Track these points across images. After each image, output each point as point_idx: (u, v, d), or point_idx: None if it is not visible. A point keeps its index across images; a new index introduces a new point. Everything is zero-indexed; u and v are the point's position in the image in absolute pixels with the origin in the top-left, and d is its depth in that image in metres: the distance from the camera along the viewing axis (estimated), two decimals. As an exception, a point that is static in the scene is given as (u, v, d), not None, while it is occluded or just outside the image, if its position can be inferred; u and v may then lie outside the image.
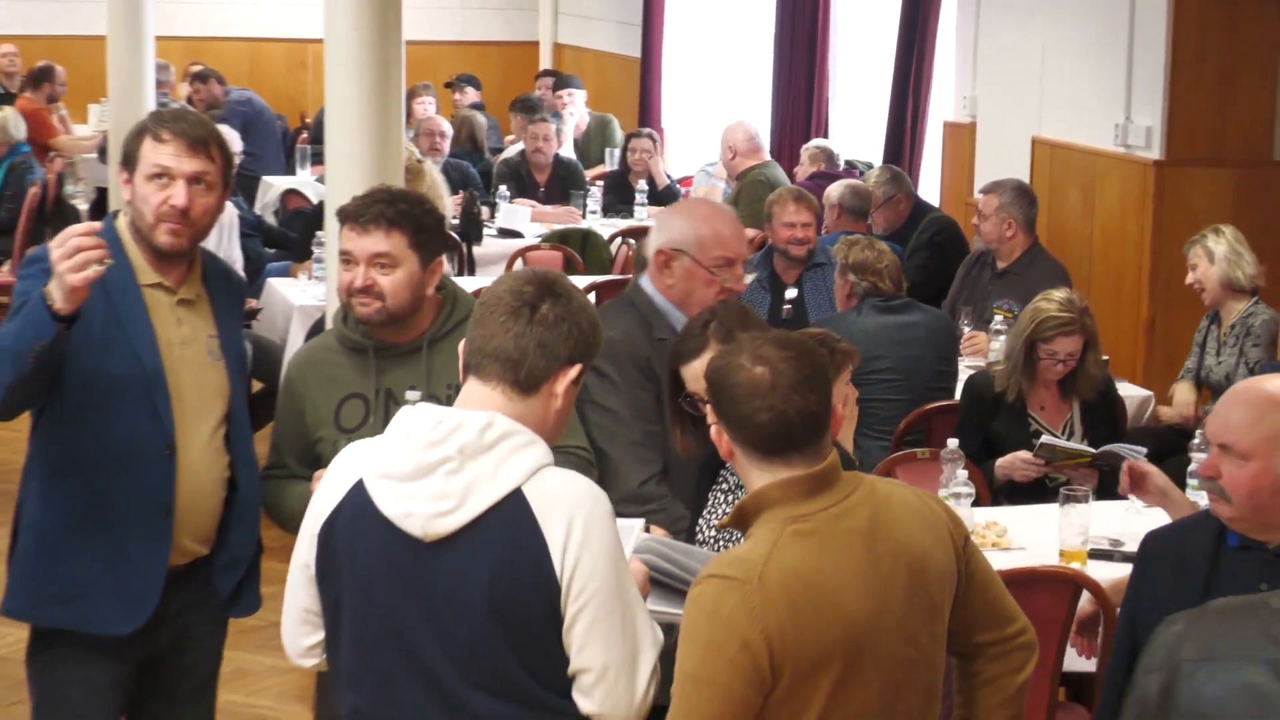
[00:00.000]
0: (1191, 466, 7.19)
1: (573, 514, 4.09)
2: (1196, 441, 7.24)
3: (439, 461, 4.05)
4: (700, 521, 5.47)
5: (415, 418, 4.15)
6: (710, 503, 5.47)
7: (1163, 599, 4.28)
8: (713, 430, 4.33)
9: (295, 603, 4.37)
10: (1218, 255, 9.32)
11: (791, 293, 10.18)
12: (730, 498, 5.37)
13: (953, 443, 7.19)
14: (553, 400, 4.20)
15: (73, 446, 5.37)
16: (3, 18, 20.26)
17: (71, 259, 4.93)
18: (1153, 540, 4.56)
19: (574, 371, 4.21)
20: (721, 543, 5.22)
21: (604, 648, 4.09)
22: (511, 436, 4.08)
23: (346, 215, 5.58)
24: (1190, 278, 9.38)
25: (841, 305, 9.10)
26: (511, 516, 4.06)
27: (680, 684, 4.06)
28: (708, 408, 4.38)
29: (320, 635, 4.35)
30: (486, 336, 4.16)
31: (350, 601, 4.21)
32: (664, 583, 4.78)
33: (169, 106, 14.09)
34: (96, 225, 5.16)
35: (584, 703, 4.10)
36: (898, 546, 4.19)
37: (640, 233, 12.67)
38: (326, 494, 4.26)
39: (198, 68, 17.35)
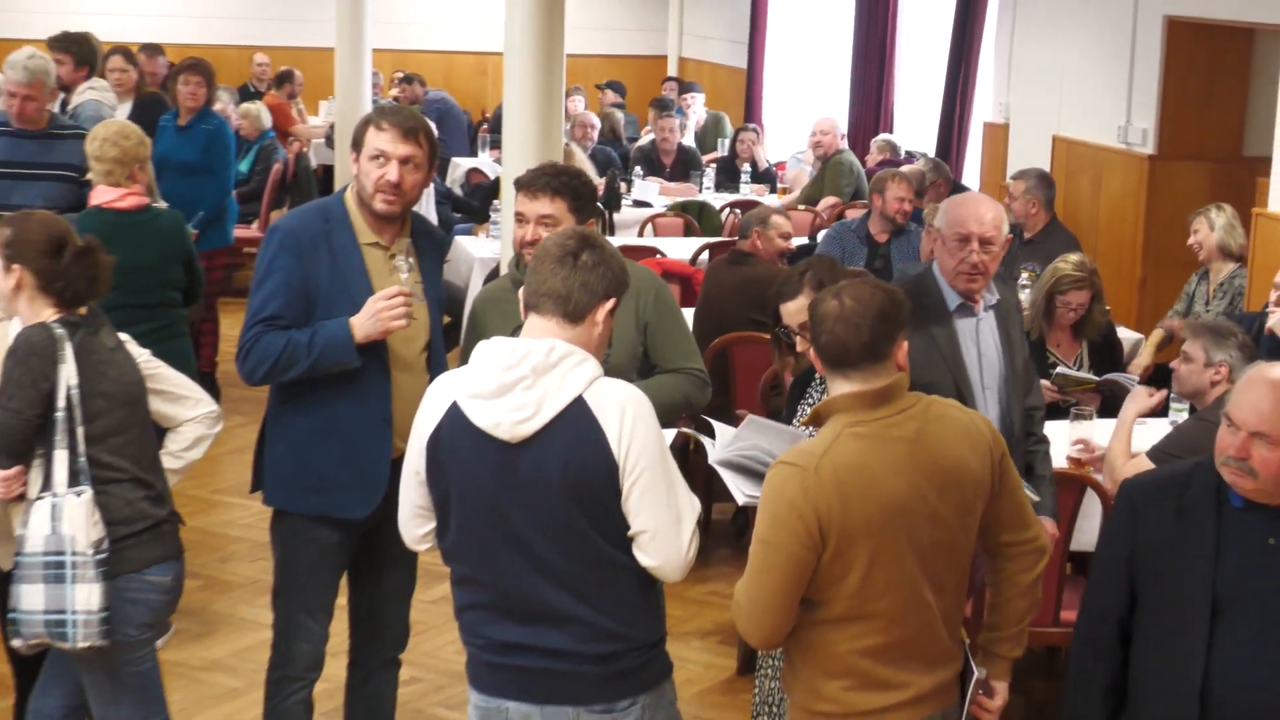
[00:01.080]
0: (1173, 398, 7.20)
1: (623, 411, 4.19)
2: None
3: (516, 381, 4.15)
4: (793, 421, 5.51)
5: (494, 349, 4.23)
6: (799, 411, 5.52)
7: (1167, 546, 4.21)
8: (811, 351, 4.42)
9: (409, 502, 4.45)
10: (1218, 225, 9.31)
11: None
12: (812, 405, 5.43)
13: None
14: (595, 327, 4.28)
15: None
16: (255, 34, 20.38)
17: (395, 312, 5.26)
18: (1139, 490, 4.42)
19: (610, 304, 4.30)
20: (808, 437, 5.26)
21: (654, 513, 4.19)
22: (570, 356, 4.18)
23: (521, 184, 5.61)
24: (1192, 240, 9.37)
25: (925, 257, 9.11)
26: (576, 417, 4.16)
27: (754, 544, 4.25)
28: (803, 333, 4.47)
29: (430, 525, 4.44)
30: (541, 280, 4.25)
31: (456, 495, 4.28)
32: (759, 471, 4.86)
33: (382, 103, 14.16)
34: (407, 292, 5.37)
35: (643, 558, 4.21)
36: (938, 453, 4.26)
37: (745, 205, 12.69)
38: (427, 416, 4.33)
39: (403, 73, 17.38)
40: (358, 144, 5.41)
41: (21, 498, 5.02)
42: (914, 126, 16.62)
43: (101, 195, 6.99)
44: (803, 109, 17.89)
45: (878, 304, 4.26)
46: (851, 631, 4.25)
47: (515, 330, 4.41)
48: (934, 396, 4.52)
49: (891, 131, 16.09)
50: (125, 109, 11.48)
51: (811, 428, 4.47)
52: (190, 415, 5.42)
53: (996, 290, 5.76)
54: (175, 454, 5.47)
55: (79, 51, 11.47)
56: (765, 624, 4.27)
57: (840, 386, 4.29)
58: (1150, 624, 4.31)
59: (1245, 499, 4.14)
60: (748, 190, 14.59)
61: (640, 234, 12.99)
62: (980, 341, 5.67)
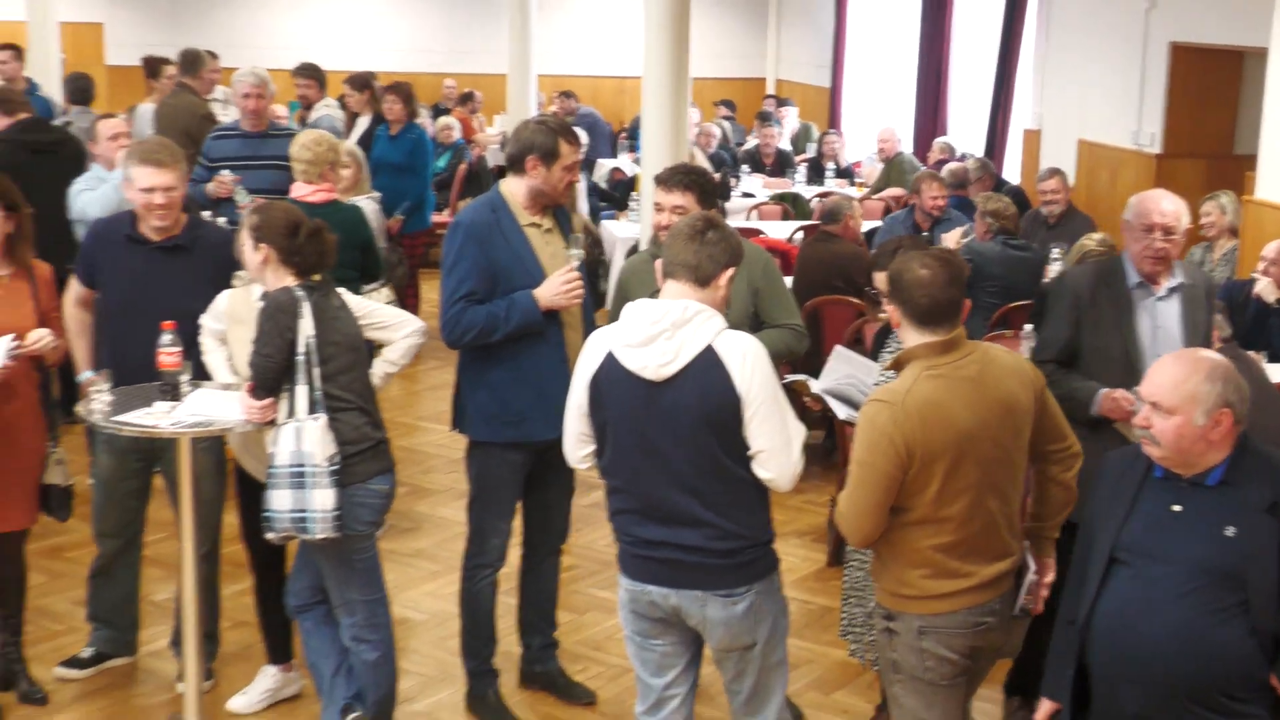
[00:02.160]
0: None
1: (744, 355, 4.20)
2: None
3: (659, 333, 4.17)
4: (878, 360, 5.48)
5: (641, 308, 4.26)
6: (879, 358, 5.48)
7: (1104, 507, 4.15)
8: (889, 309, 4.40)
9: (572, 430, 4.48)
10: (1229, 208, 9.11)
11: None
12: (894, 356, 5.36)
13: (1028, 327, 7.13)
14: (719, 290, 4.29)
15: None
16: (446, 63, 20.50)
17: (573, 291, 5.42)
18: (1109, 461, 4.32)
19: (730, 272, 4.31)
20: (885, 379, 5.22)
21: (770, 436, 4.21)
22: (701, 313, 4.20)
23: (659, 180, 5.60)
24: (1204, 220, 9.10)
25: (980, 238, 9.00)
26: (707, 361, 4.17)
27: (853, 465, 4.25)
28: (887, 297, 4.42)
29: (590, 448, 4.47)
30: (676, 254, 4.28)
31: (611, 424, 4.31)
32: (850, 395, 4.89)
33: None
34: (579, 275, 5.51)
35: (761, 472, 4.24)
36: (996, 388, 4.23)
37: (828, 196, 12.59)
38: (588, 362, 4.36)
39: (561, 93, 17.39)
40: (551, 155, 5.43)
41: (272, 423, 5.07)
42: (966, 131, 16.44)
43: (297, 190, 7.02)
44: (874, 118, 17.72)
45: (957, 273, 4.29)
46: (929, 531, 4.23)
47: (654, 294, 4.40)
48: (988, 344, 4.52)
49: (946, 135, 15.94)
50: (364, 122, 11.73)
51: (892, 371, 4.40)
52: (402, 334, 5.45)
53: (1184, 275, 5.54)
54: (392, 361, 5.52)
55: (319, 77, 11.70)
56: (864, 527, 4.26)
57: (916, 338, 4.26)
58: (1074, 570, 4.25)
59: (1165, 470, 4.02)
60: (831, 184, 14.49)
61: (747, 218, 12.92)
62: (1157, 317, 5.44)
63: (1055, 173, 10.29)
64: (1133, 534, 4.03)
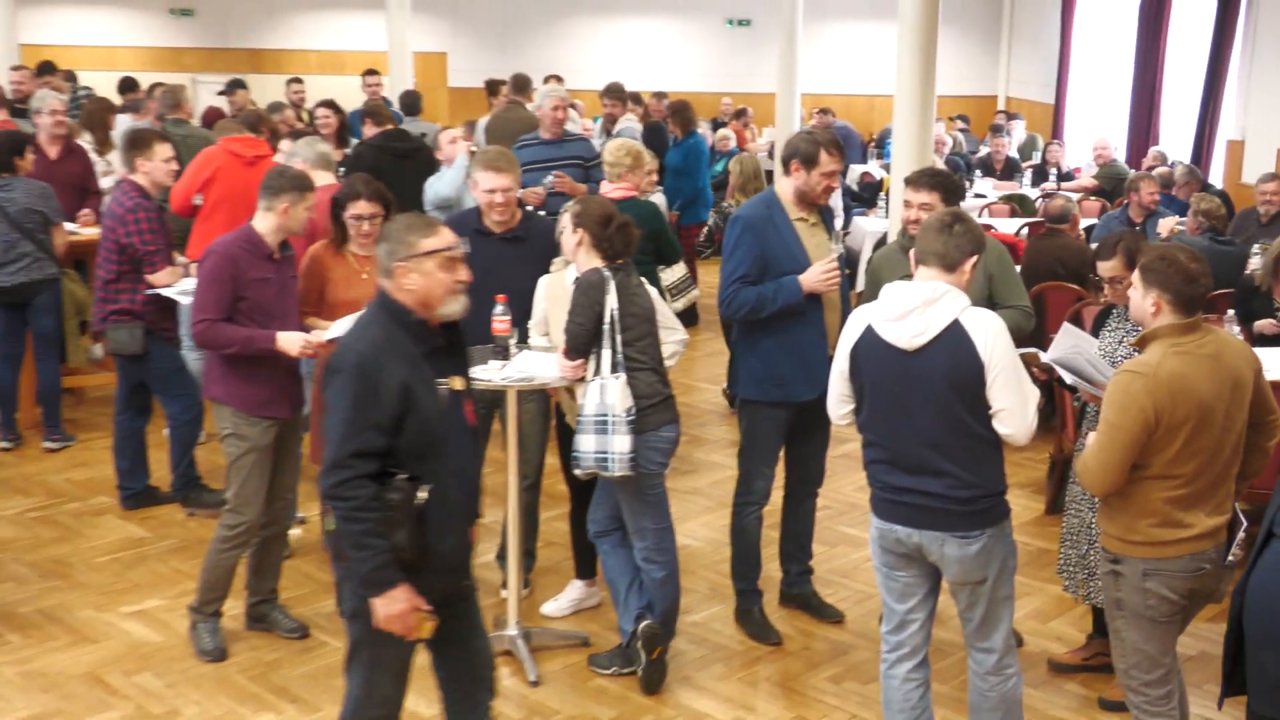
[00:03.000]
0: None
1: (986, 328, 4.13)
2: None
3: (912, 309, 4.13)
4: (1098, 338, 5.27)
5: (897, 289, 4.22)
6: (1100, 336, 5.27)
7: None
8: (1135, 292, 4.27)
9: (835, 392, 4.45)
10: None
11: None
12: (1113, 334, 5.24)
13: (1230, 313, 6.82)
14: (963, 275, 4.21)
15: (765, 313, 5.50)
16: (723, 83, 20.52)
17: (832, 280, 5.40)
18: None
19: (974, 259, 4.23)
20: (1110, 357, 5.07)
21: (1009, 397, 4.12)
22: (949, 293, 4.14)
23: (909, 181, 5.54)
24: None
25: (1190, 232, 8.61)
26: (954, 333, 4.12)
27: (1102, 425, 4.16)
28: (1133, 277, 4.31)
29: (849, 407, 4.43)
30: (928, 243, 4.23)
31: (869, 387, 4.26)
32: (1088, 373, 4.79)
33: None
34: (836, 265, 5.46)
35: (1000, 428, 4.16)
36: (1230, 366, 4.14)
37: (1049, 195, 12.17)
38: (850, 334, 4.33)
39: (820, 109, 17.20)
40: (810, 161, 5.42)
41: (582, 380, 5.15)
42: (1175, 141, 15.74)
43: (603, 189, 7.08)
44: (1092, 129, 17.09)
45: (1208, 269, 4.23)
46: (1161, 485, 4.15)
47: (904, 277, 4.33)
48: (1217, 326, 4.46)
49: (1158, 144, 15.33)
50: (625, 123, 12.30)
51: (1135, 348, 4.34)
52: (671, 339, 5.43)
53: None
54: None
55: (622, 96, 11.96)
56: (1106, 481, 4.17)
57: (1167, 320, 4.16)
58: None
59: None
60: (1052, 187, 14.05)
61: (979, 216, 12.60)
62: None
63: (1275, 177, 9.73)
64: None
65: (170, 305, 6.89)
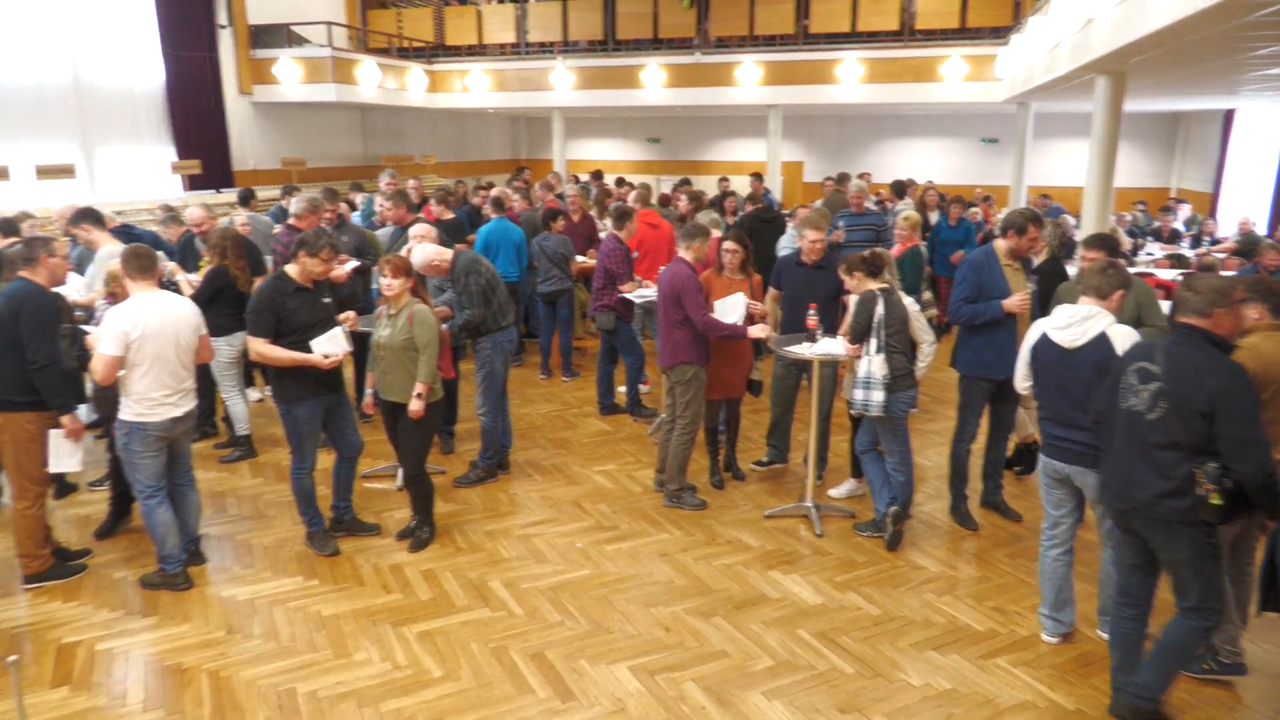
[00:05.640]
0: None
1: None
2: None
3: (1074, 322, 3.76)
4: None
5: (1065, 309, 3.82)
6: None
7: None
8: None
9: (1020, 371, 4.06)
10: None
11: None
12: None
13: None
14: (1113, 302, 3.74)
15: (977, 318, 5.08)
16: (974, 179, 19.05)
17: (1022, 305, 4.90)
18: None
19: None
20: None
21: None
22: (1100, 313, 3.74)
23: (1083, 241, 4.93)
24: None
25: None
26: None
27: None
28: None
29: (1029, 382, 4.02)
30: (1089, 279, 3.78)
31: (1041, 370, 3.89)
32: None
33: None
34: (1028, 296, 4.96)
35: None
36: None
37: (1203, 254, 10.53)
38: (1031, 336, 3.95)
39: (1042, 194, 15.65)
40: (1021, 231, 4.97)
41: (859, 357, 4.97)
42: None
43: (894, 248, 6.67)
44: (1241, 211, 14.60)
45: None
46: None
47: (1074, 301, 3.94)
48: None
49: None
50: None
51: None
52: (923, 340, 5.04)
53: None
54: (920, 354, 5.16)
55: (902, 190, 11.25)
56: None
57: (1264, 321, 3.62)
58: None
59: None
60: (1205, 250, 12.10)
61: (1149, 268, 11.03)
62: None
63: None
64: None
65: (628, 302, 7.03)
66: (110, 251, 5.67)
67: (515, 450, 6.40)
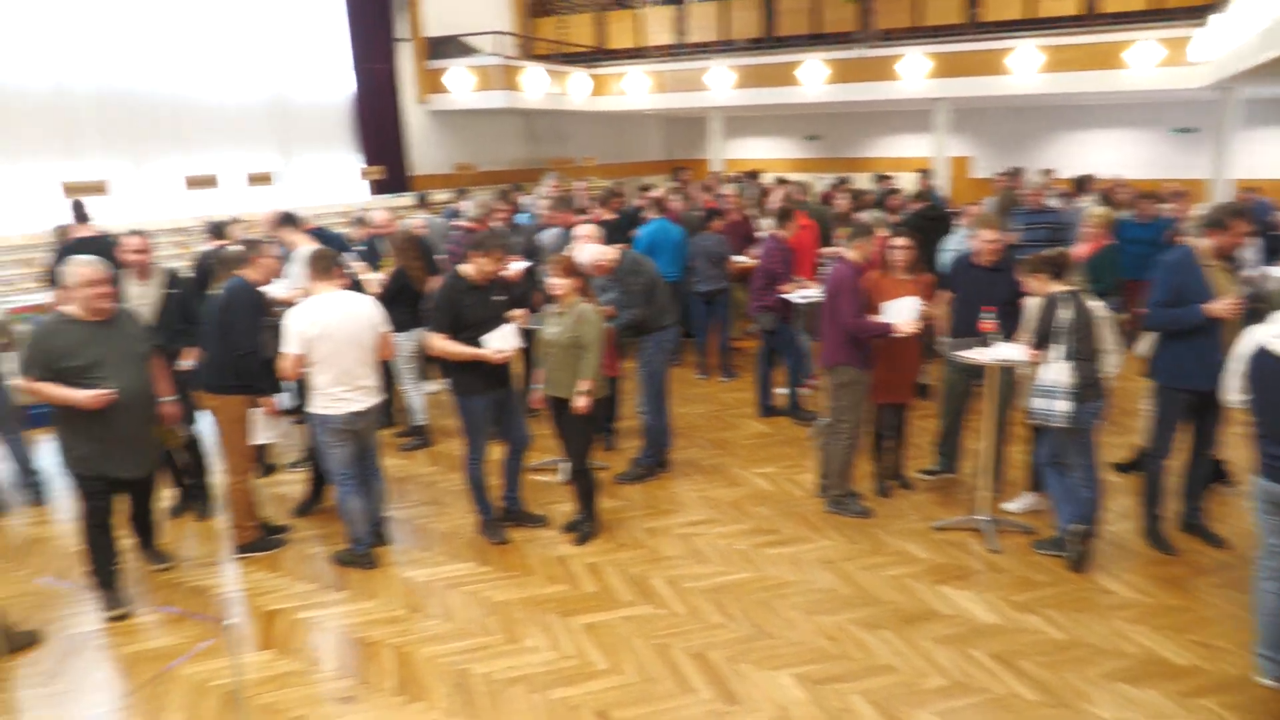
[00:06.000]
0: None
1: None
2: None
3: None
4: None
5: (1272, 323, 3.48)
6: None
7: None
8: None
9: (1232, 383, 3.70)
10: None
11: None
12: None
13: None
14: None
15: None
16: (1161, 173, 17.55)
17: (1231, 309, 4.46)
18: None
19: None
20: None
21: None
22: None
23: None
24: None
25: None
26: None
27: None
28: None
29: (1241, 396, 3.68)
30: None
31: (1255, 382, 3.55)
32: None
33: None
34: (1237, 301, 4.48)
35: None
36: None
37: None
38: (1245, 344, 3.60)
39: (1250, 188, 14.17)
40: (1219, 227, 4.55)
41: (1038, 363, 4.68)
42: None
43: (1079, 245, 6.18)
44: None
45: None
46: None
47: None
48: None
49: None
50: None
51: None
52: (1108, 351, 4.63)
53: None
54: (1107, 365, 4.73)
55: (1084, 185, 10.40)
56: None
57: None
58: None
59: None
60: None
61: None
62: None
63: None
64: None
65: (788, 302, 6.87)
66: (306, 251, 6.04)
67: (674, 449, 6.40)
